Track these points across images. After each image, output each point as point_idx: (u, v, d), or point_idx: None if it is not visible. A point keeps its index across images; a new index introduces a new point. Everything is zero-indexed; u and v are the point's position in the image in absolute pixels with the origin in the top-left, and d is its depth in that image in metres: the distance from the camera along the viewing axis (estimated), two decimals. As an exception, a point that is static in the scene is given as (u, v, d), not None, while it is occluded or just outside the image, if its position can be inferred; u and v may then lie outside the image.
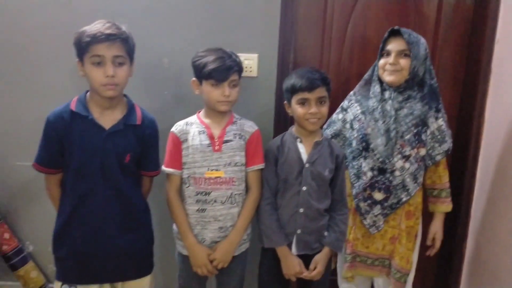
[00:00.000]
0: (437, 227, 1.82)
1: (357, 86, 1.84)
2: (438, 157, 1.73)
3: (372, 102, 1.72)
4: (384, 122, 1.68)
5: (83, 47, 1.38)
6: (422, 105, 1.68)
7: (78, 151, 1.44)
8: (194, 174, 1.60)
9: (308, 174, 1.62)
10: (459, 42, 2.09)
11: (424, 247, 1.87)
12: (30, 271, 2.11)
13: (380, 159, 1.68)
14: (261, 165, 1.66)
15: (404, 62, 1.66)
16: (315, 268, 1.64)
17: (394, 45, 1.68)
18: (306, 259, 1.66)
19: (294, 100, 1.60)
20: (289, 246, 1.64)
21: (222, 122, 1.64)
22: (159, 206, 1.68)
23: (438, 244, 1.83)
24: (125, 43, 1.43)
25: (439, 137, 1.72)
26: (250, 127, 1.67)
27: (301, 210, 1.63)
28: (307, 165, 1.63)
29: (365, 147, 1.72)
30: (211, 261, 1.61)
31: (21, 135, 2.06)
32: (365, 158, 1.72)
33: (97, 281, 1.50)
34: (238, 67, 1.60)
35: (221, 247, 1.61)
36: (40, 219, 2.12)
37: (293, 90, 1.59)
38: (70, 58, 1.48)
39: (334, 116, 1.86)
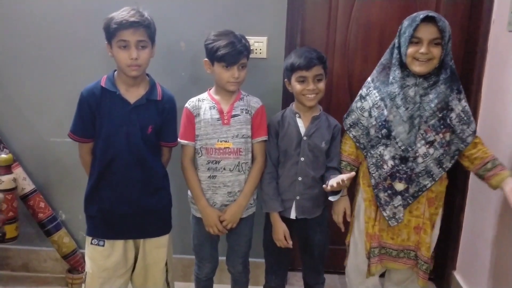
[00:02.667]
0: None
1: (374, 72, 1.78)
2: (470, 139, 1.67)
3: (393, 88, 1.66)
4: (407, 108, 1.64)
5: (111, 32, 1.57)
6: (445, 88, 1.63)
7: (107, 122, 1.63)
8: (206, 145, 1.78)
9: (305, 146, 1.78)
10: (458, 23, 2.18)
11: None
12: (63, 237, 2.34)
13: (402, 147, 1.65)
14: (265, 137, 1.83)
15: (435, 51, 1.59)
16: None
17: (426, 33, 1.58)
18: (307, 223, 1.84)
19: (293, 78, 1.75)
20: (288, 211, 1.82)
21: (230, 98, 1.81)
22: (178, 175, 1.87)
23: None
24: (147, 28, 1.61)
25: (465, 118, 1.66)
26: (256, 102, 1.84)
27: (300, 178, 1.79)
28: (304, 138, 1.78)
29: (387, 134, 1.68)
30: (221, 222, 1.80)
31: (55, 113, 2.27)
32: (386, 146, 1.69)
33: (122, 237, 1.71)
34: (247, 51, 1.76)
35: (230, 209, 1.80)
36: (71, 191, 2.33)
37: (292, 69, 1.73)
38: (99, 41, 1.67)
39: (353, 104, 1.83)
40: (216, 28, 1.80)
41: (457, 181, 2.19)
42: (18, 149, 2.34)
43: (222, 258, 1.97)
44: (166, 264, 1.80)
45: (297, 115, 1.81)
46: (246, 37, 1.80)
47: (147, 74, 1.72)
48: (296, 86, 1.74)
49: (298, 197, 1.80)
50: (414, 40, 1.60)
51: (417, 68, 1.61)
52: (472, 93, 2.13)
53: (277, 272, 1.94)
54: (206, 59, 1.78)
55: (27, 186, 2.28)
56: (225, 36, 1.72)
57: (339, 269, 2.52)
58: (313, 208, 1.83)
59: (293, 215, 1.82)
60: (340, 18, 2.27)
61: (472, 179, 2.17)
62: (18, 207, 2.21)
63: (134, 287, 1.81)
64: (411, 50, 1.61)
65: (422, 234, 1.75)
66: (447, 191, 1.82)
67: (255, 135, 1.82)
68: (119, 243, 1.70)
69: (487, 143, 1.76)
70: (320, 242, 1.88)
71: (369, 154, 1.76)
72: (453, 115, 1.66)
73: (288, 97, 2.23)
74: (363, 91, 1.81)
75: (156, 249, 1.76)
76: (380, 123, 1.70)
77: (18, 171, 2.26)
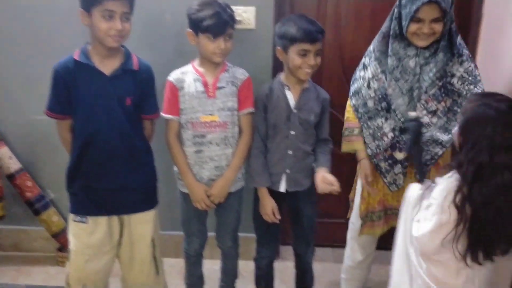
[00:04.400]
0: None
1: (375, 41, 1.74)
2: None
3: (392, 61, 1.64)
4: (406, 81, 1.63)
5: (94, 0, 1.50)
6: (443, 55, 1.60)
7: (83, 96, 1.58)
8: (191, 119, 1.73)
9: (296, 120, 1.73)
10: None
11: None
12: (52, 216, 2.32)
13: (402, 119, 1.65)
14: (251, 109, 1.78)
15: (437, 27, 1.55)
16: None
17: (428, 14, 1.53)
18: (297, 195, 1.81)
19: (293, 49, 1.64)
20: (277, 185, 1.79)
21: (215, 70, 1.75)
22: (166, 150, 1.81)
23: None
24: (132, 0, 1.56)
25: (470, 78, 1.61)
26: (241, 74, 1.79)
27: (290, 152, 1.75)
28: (295, 111, 1.73)
29: (386, 108, 1.69)
30: (209, 197, 1.77)
31: (40, 90, 2.16)
32: (386, 119, 1.69)
33: (105, 213, 1.68)
34: (233, 21, 1.70)
35: (217, 184, 1.76)
36: (59, 169, 2.20)
37: (293, 40, 1.63)
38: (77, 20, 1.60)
39: (357, 73, 1.80)
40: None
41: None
42: (2, 128, 2.29)
43: (212, 234, 1.95)
44: (153, 240, 1.77)
45: (286, 87, 1.75)
46: (233, 7, 1.74)
47: (122, 45, 1.66)
48: (296, 59, 1.65)
49: (288, 171, 1.77)
50: (415, 19, 1.55)
51: (419, 42, 1.59)
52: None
53: (267, 244, 1.92)
54: (189, 30, 1.72)
55: (13, 165, 2.25)
56: (209, 6, 1.65)
57: (332, 243, 2.54)
58: (303, 179, 1.80)
59: (283, 189, 1.79)
60: (331, -14, 2.19)
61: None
62: (4, 187, 2.17)
63: (121, 263, 1.79)
64: (412, 27, 1.57)
65: None
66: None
67: (241, 107, 1.77)
68: (103, 220, 1.67)
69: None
70: (310, 213, 1.86)
71: (365, 125, 1.75)
72: (454, 80, 1.63)
73: (278, 71, 2.16)
74: (365, 60, 1.77)
75: (141, 224, 1.73)
76: (380, 96, 1.69)
77: (3, 150, 2.22)
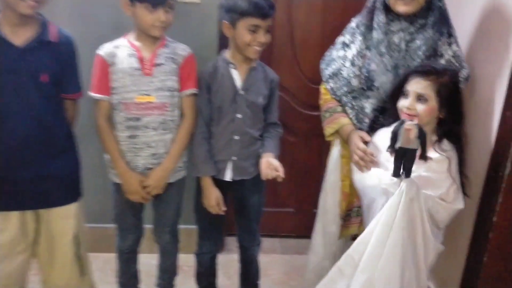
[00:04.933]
0: None
1: (359, 16, 1.62)
2: (461, 85, 1.51)
3: (377, 34, 1.52)
4: (391, 56, 1.52)
5: None
6: (433, 32, 1.48)
7: None
8: (124, 99, 1.53)
9: (243, 102, 1.59)
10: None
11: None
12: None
13: (386, 99, 1.55)
14: (194, 90, 1.60)
15: None
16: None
17: None
18: (243, 184, 1.67)
19: (242, 24, 1.50)
20: (223, 172, 1.64)
21: (153, 45, 1.55)
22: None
23: None
24: None
25: (456, 64, 1.53)
26: (183, 50, 1.60)
27: (236, 137, 1.61)
28: (241, 92, 1.59)
29: (369, 86, 1.58)
30: (145, 188, 1.58)
31: None
32: (367, 98, 1.59)
33: (17, 207, 1.44)
34: None
35: (154, 173, 1.58)
36: None
37: (244, 13, 1.48)
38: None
39: (334, 53, 1.67)
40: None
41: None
42: None
43: (150, 226, 1.77)
44: (76, 237, 1.56)
45: (231, 66, 1.59)
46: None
47: (39, 13, 1.42)
48: (245, 36, 1.50)
49: (234, 158, 1.63)
50: None
51: (401, 8, 1.46)
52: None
53: (210, 237, 1.78)
54: (123, -4, 1.50)
55: None
56: None
57: (280, 232, 2.43)
58: (250, 167, 1.66)
59: (228, 177, 1.64)
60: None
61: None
62: None
63: (40, 264, 1.57)
64: None
65: None
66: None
67: (183, 87, 1.58)
68: (14, 215, 1.43)
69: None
70: (256, 203, 1.74)
71: (350, 105, 1.63)
72: (442, 61, 1.52)
73: (224, 48, 2.00)
74: (346, 38, 1.64)
75: (62, 220, 1.52)
76: (366, 73, 1.57)
77: None
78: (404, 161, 1.34)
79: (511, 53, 1.50)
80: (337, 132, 1.66)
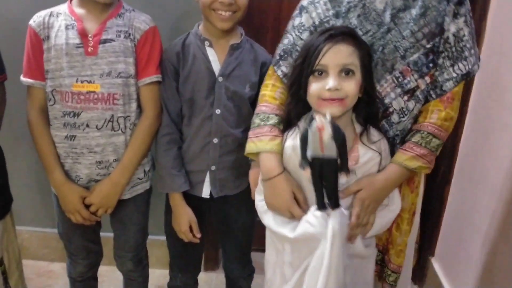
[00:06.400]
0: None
1: None
2: (449, 85, 1.05)
3: None
4: (366, 32, 1.03)
5: None
6: (438, 1, 1.01)
7: None
8: (60, 87, 1.14)
9: (222, 92, 1.19)
10: None
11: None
12: None
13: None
14: (157, 77, 1.19)
15: None
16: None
17: None
18: (227, 200, 1.29)
19: None
20: (199, 187, 1.25)
21: (102, 13, 1.15)
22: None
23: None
24: None
25: (454, 49, 1.04)
26: (142, 22, 1.18)
27: (215, 140, 1.22)
28: (220, 79, 1.18)
29: None
30: (89, 206, 1.19)
31: None
32: None
33: None
34: None
35: (99, 188, 1.19)
36: None
37: None
38: None
39: (289, 23, 1.14)
40: None
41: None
42: None
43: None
44: (1, 263, 1.20)
45: (206, 42, 1.18)
46: None
47: None
48: None
49: (213, 167, 1.24)
50: None
51: None
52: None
53: (185, 269, 1.39)
54: None
55: None
56: None
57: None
58: (235, 180, 1.28)
59: (206, 193, 1.26)
60: None
61: (464, 142, 1.63)
62: None
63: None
64: None
65: (394, 231, 1.17)
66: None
67: (142, 74, 1.17)
68: None
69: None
70: (246, 224, 1.35)
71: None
72: (437, 40, 1.03)
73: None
74: (304, 1, 1.11)
75: None
76: None
77: None
78: (324, 180, 0.92)
79: None
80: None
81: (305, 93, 0.99)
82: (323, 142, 0.88)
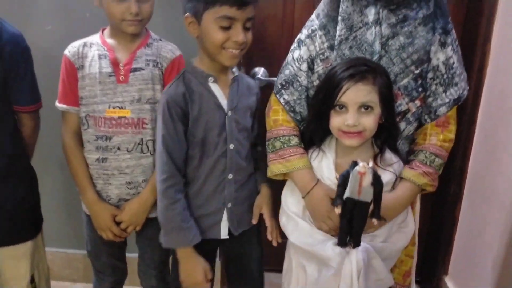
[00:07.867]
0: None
1: (322, 4, 1.18)
2: (442, 110, 1.13)
3: (340, 29, 1.11)
4: None
5: None
6: (426, 31, 1.09)
7: None
8: (93, 113, 1.22)
9: (233, 126, 1.16)
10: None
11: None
12: None
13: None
14: None
15: None
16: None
17: None
18: (241, 237, 1.25)
19: (210, 16, 1.05)
20: (217, 229, 1.21)
21: (132, 44, 1.24)
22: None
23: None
24: None
25: (445, 76, 1.12)
26: (169, 51, 1.27)
27: (230, 176, 1.18)
28: (229, 113, 1.15)
29: None
30: (120, 223, 1.27)
31: None
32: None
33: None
34: None
35: (130, 207, 1.26)
36: None
37: (210, 1, 1.04)
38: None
39: (289, 55, 1.22)
40: None
41: (453, 163, 1.66)
42: None
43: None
44: (32, 280, 1.27)
45: (210, 79, 1.14)
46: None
47: None
48: (216, 34, 1.06)
49: (229, 204, 1.20)
50: None
51: None
52: (475, 64, 1.57)
53: None
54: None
55: None
56: None
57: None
58: (249, 213, 1.26)
59: (224, 234, 1.21)
60: None
61: (473, 161, 1.67)
62: None
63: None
64: None
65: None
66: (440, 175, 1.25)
67: None
68: None
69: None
70: (258, 257, 1.32)
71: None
72: (429, 67, 1.12)
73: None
74: (302, 34, 1.19)
75: (13, 261, 1.24)
76: None
77: None
78: (352, 220, 0.98)
79: None
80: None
81: (327, 122, 1.08)
82: (361, 187, 0.94)
